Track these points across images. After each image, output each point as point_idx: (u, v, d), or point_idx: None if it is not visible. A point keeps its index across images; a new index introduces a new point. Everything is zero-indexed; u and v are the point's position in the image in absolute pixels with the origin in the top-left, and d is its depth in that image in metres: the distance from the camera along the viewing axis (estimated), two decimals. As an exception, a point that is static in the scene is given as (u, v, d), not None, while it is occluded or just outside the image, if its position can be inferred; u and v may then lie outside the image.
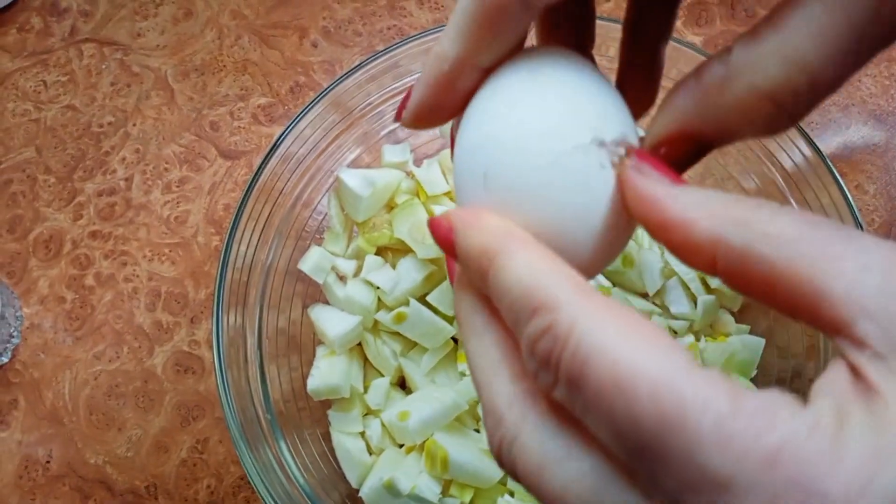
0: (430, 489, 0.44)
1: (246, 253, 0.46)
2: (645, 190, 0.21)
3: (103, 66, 0.66)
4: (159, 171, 0.63)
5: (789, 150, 0.46)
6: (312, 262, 0.49)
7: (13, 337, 0.57)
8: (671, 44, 0.40)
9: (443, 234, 0.23)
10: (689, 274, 0.49)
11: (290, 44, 0.66)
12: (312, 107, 0.46)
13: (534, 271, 0.20)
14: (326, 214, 0.51)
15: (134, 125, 0.64)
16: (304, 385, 0.48)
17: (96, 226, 0.61)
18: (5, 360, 0.57)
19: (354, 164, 0.52)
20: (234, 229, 0.43)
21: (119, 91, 0.65)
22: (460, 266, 0.23)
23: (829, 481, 0.16)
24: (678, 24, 0.65)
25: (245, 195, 0.44)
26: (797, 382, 0.46)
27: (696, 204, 0.20)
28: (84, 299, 0.59)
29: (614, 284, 0.50)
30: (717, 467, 0.16)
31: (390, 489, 0.43)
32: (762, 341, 0.46)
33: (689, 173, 0.53)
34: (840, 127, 0.61)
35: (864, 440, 0.16)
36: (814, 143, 0.44)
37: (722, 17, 0.66)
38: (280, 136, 0.45)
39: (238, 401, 0.42)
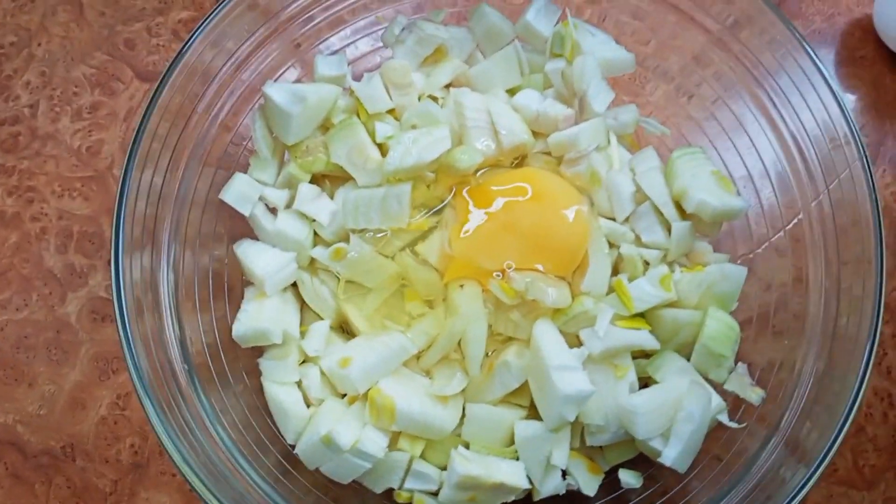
0: (376, 443, 0.40)
1: (153, 182, 0.40)
2: None
3: (0, -23, 0.58)
4: (68, 95, 0.57)
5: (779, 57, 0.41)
6: (236, 191, 0.44)
7: None
8: None
9: None
10: (661, 197, 0.44)
11: (215, -52, 0.59)
12: (226, 5, 0.39)
13: None
14: (251, 137, 0.46)
15: (39, 45, 0.58)
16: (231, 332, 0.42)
17: (-3, 159, 0.54)
18: None
19: (283, 79, 0.47)
20: (134, 154, 0.37)
21: (21, 7, 0.59)
22: None
23: None
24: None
25: (145, 114, 0.38)
26: (779, 317, 0.42)
27: None
28: (-14, 242, 0.53)
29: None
30: None
31: (329, 444, 0.39)
32: (744, 271, 0.42)
33: (663, 89, 0.49)
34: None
35: None
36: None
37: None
38: (187, 43, 0.39)
39: (147, 353, 0.37)
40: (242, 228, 0.46)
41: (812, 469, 0.34)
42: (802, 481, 0.34)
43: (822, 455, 0.34)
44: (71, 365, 0.51)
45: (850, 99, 0.56)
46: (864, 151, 0.38)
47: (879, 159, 0.54)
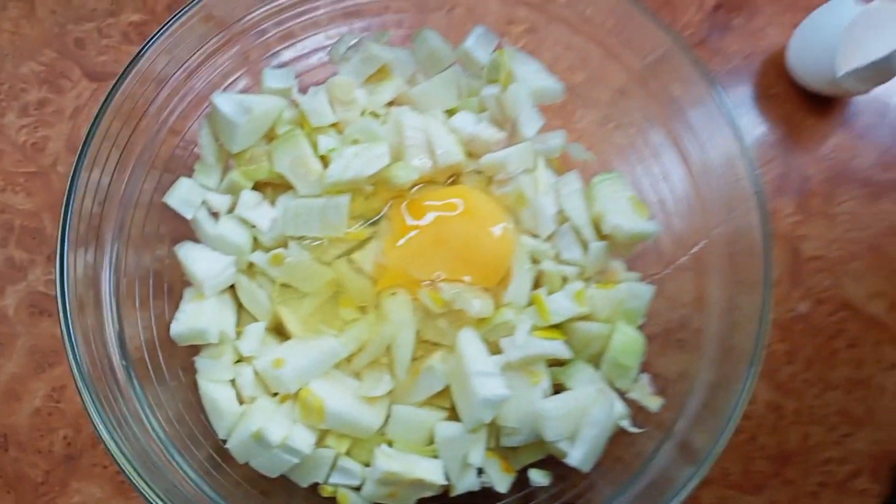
0: (304, 440, 0.42)
1: (100, 181, 0.42)
2: None
3: (-52, -32, 0.59)
4: (15, 91, 0.58)
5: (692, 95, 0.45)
6: (180, 195, 0.46)
7: None
8: None
9: None
10: (581, 218, 0.47)
11: (169, -46, 0.60)
12: (182, 16, 0.41)
13: None
14: (198, 144, 0.47)
15: None
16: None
17: (-61, 149, 0.55)
18: None
19: (231, 89, 0.49)
20: (83, 155, 0.39)
21: None
22: None
23: None
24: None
25: (97, 115, 0.40)
26: (682, 332, 0.46)
27: None
28: (-76, 232, 0.53)
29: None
30: None
31: (260, 440, 0.41)
32: (651, 289, 0.46)
33: (590, 118, 0.52)
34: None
35: None
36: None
37: None
38: (142, 48, 0.41)
39: (87, 348, 0.39)
40: (184, 231, 0.47)
41: (698, 468, 0.38)
42: (689, 479, 0.38)
43: (707, 456, 0.38)
44: (7, 357, 0.52)
45: (762, 132, 0.61)
46: (760, 188, 0.42)
47: (784, 190, 0.59)
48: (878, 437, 0.55)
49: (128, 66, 0.41)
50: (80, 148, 0.39)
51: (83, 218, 0.40)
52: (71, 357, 0.37)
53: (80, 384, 0.37)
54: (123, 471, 0.36)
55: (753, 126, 0.61)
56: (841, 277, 0.58)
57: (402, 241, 0.46)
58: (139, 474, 0.36)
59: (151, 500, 0.36)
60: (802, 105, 0.61)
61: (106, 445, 0.36)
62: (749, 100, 0.62)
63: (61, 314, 0.37)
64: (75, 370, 0.37)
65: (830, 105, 0.61)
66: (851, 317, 0.57)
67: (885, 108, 0.62)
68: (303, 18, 0.49)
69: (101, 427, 0.36)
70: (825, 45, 0.55)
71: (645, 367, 0.46)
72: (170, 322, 0.45)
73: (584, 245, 0.48)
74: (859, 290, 0.58)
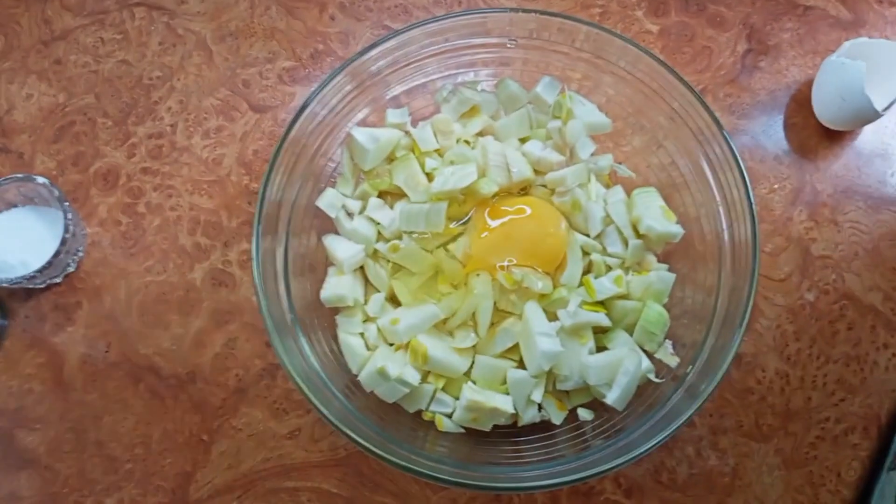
0: (412, 376, 0.56)
1: (276, 192, 0.57)
2: None
3: (152, 28, 0.77)
4: (199, 119, 0.74)
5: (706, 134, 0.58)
6: (327, 200, 0.61)
7: (79, 251, 0.70)
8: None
9: None
10: (623, 221, 0.61)
11: (312, 16, 0.77)
12: (334, 77, 0.57)
13: None
14: (339, 163, 0.62)
15: (178, 80, 0.75)
16: (318, 297, 0.59)
17: (147, 163, 0.73)
18: (72, 269, 0.70)
19: (363, 123, 0.63)
20: (269, 174, 0.55)
21: (166, 50, 0.77)
22: None
23: None
24: (639, 13, 0.77)
25: (278, 146, 0.56)
26: (699, 308, 0.58)
27: None
28: (136, 223, 0.71)
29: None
30: None
31: (382, 374, 0.55)
32: (672, 276, 0.59)
33: (635, 144, 0.65)
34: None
35: None
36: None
37: (677, 10, 0.77)
38: (307, 100, 0.57)
39: (271, 304, 0.54)
40: (328, 226, 0.62)
41: (696, 402, 0.51)
42: (689, 409, 0.50)
43: (703, 392, 0.50)
44: (195, 315, 0.67)
45: (782, 152, 0.71)
46: (752, 206, 0.53)
47: (798, 201, 0.71)
48: (870, 402, 0.65)
49: (298, 113, 0.56)
50: (266, 172, 0.54)
51: (266, 217, 0.55)
52: (263, 308, 0.52)
53: (269, 325, 0.52)
54: (297, 384, 0.52)
55: (775, 147, 0.72)
56: (844, 273, 0.69)
57: (484, 236, 0.59)
58: (307, 388, 0.51)
59: (315, 406, 0.51)
60: (817, 132, 0.73)
61: (286, 367, 0.51)
62: (772, 127, 0.73)
63: (256, 279, 0.53)
64: (266, 317, 0.52)
65: (841, 133, 0.72)
66: (851, 305, 0.68)
67: (889, 136, 0.73)
68: (416, 73, 0.62)
69: (282, 354, 0.51)
70: (825, 95, 0.68)
71: (670, 335, 0.58)
72: (318, 291, 0.59)
73: (625, 242, 0.60)
74: (859, 284, 0.68)
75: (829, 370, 0.66)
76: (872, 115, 0.66)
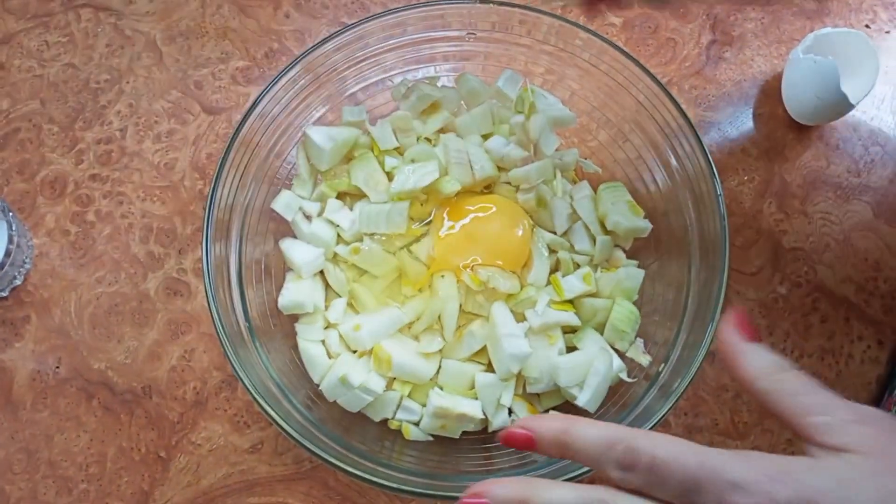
0: (377, 384, 0.54)
1: (227, 195, 0.54)
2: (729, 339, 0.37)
3: (99, 30, 0.74)
4: (150, 123, 0.72)
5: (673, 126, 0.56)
6: (283, 202, 0.59)
7: (25, 263, 0.67)
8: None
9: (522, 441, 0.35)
10: (590, 217, 0.59)
11: (266, 14, 0.75)
12: (287, 72, 0.55)
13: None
14: (295, 164, 0.61)
15: (127, 83, 0.73)
16: (276, 304, 0.57)
17: (96, 170, 0.70)
18: (18, 282, 0.67)
19: (320, 122, 0.61)
20: (219, 176, 0.53)
21: (114, 52, 0.74)
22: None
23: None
24: (602, 5, 0.75)
25: (228, 147, 0.54)
26: (669, 305, 0.57)
27: (758, 367, 0.35)
28: (86, 232, 0.68)
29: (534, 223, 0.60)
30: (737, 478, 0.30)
31: (345, 383, 0.54)
32: (642, 272, 0.58)
33: (601, 138, 0.64)
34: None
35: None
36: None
37: (640, 1, 0.76)
38: (258, 97, 0.55)
39: (223, 315, 0.51)
40: (285, 230, 0.60)
41: (670, 400, 0.49)
42: (662, 408, 0.49)
43: (676, 390, 0.49)
44: (150, 327, 0.65)
45: (749, 144, 0.71)
46: (720, 199, 0.51)
47: (767, 193, 0.70)
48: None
49: (249, 110, 0.54)
50: (215, 173, 0.52)
51: (217, 222, 0.53)
52: (216, 319, 0.50)
53: (222, 338, 0.50)
54: (254, 398, 0.49)
55: (743, 139, 0.72)
56: (816, 265, 0.68)
57: (447, 236, 0.57)
58: (265, 401, 0.49)
59: (274, 420, 0.49)
60: (784, 122, 0.72)
61: (241, 381, 0.49)
62: (739, 119, 0.73)
63: (207, 289, 0.51)
64: (219, 328, 0.50)
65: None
66: (824, 297, 0.67)
67: (857, 125, 0.72)
68: (374, 68, 0.60)
69: (237, 368, 0.49)
70: (799, 93, 0.67)
71: (641, 333, 0.57)
72: (275, 299, 0.57)
73: (593, 239, 0.59)
74: (831, 276, 0.68)
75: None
76: (847, 109, 0.65)
